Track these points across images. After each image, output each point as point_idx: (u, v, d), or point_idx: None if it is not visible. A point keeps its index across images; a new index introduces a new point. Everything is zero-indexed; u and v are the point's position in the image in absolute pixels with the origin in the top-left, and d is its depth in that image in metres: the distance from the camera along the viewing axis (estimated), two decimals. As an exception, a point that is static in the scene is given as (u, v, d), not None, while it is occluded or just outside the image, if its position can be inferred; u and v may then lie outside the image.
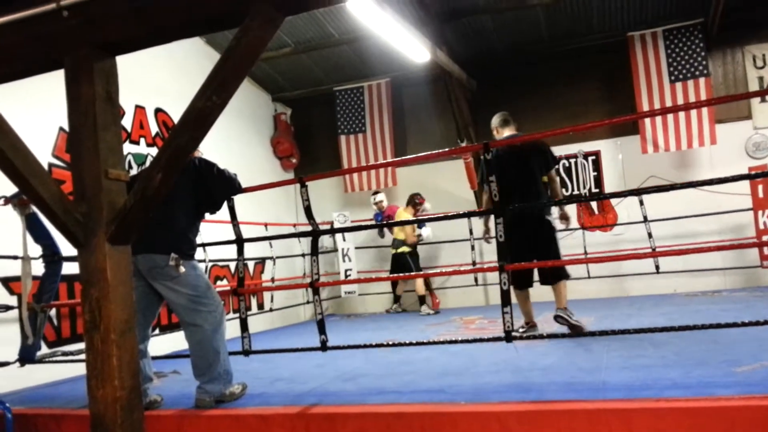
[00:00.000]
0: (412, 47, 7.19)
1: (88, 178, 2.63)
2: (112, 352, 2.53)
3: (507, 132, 5.59)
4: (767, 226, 7.52)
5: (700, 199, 7.94)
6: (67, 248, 4.00)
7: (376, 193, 9.18)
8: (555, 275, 5.26)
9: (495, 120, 5.72)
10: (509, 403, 3.19)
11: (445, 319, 7.50)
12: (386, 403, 3.48)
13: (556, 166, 5.37)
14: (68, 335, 5.87)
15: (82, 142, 2.65)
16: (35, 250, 4.74)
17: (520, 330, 5.41)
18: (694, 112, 8.16)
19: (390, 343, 4.39)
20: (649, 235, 7.51)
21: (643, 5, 8.28)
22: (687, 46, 8.27)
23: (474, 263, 8.57)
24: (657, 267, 7.39)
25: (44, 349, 5.39)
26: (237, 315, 4.54)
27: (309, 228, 4.33)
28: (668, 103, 8.27)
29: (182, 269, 3.76)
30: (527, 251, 5.00)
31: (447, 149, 6.52)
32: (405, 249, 8.64)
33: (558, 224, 5.53)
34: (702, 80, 8.19)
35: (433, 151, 4.64)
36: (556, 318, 5.13)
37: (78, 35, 2.67)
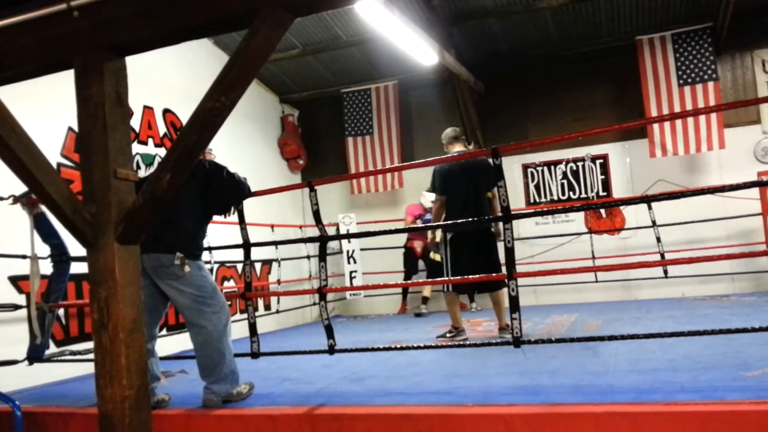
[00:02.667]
0: (419, 49, 7.19)
1: (97, 177, 2.64)
2: (120, 352, 2.54)
3: (457, 148, 5.87)
4: (776, 230, 7.48)
5: (709, 204, 7.92)
6: (75, 248, 4.02)
7: None
8: (496, 284, 5.58)
9: (446, 135, 5.99)
10: (517, 406, 3.18)
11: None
12: (393, 404, 3.48)
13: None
14: (76, 334, 5.89)
15: (92, 142, 2.66)
16: (43, 249, 4.76)
17: (448, 335, 5.72)
18: (702, 117, 8.13)
19: (397, 346, 4.39)
20: (658, 240, 7.48)
21: (652, 9, 8.26)
22: (696, 50, 8.24)
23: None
24: (665, 272, 7.36)
25: (52, 348, 5.41)
26: (245, 317, 4.54)
27: (316, 229, 4.34)
28: (677, 107, 8.24)
29: (187, 269, 3.77)
30: (474, 262, 5.45)
31: (455, 153, 6.50)
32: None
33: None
34: (711, 84, 8.16)
35: (441, 156, 4.65)
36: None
37: (88, 36, 2.69)
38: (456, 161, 5.56)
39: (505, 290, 5.46)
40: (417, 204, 8.78)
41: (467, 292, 5.93)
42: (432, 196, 6.21)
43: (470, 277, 5.04)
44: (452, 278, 5.55)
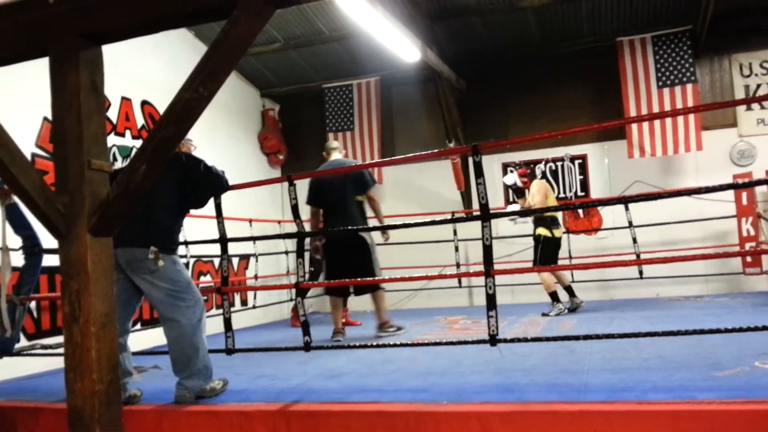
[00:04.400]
0: (402, 46, 7.18)
1: (71, 168, 2.58)
2: (91, 345, 2.49)
3: (334, 156, 6.35)
4: (750, 233, 7.59)
5: (685, 205, 8.00)
6: (48, 240, 3.95)
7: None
8: (371, 286, 5.96)
9: (327, 145, 6.53)
10: (492, 404, 3.19)
11: (429, 318, 7.50)
12: (369, 401, 3.47)
13: (374, 186, 6.00)
14: (48, 327, 5.80)
15: (66, 132, 2.60)
16: (15, 241, 4.68)
17: (331, 338, 6.01)
18: (680, 118, 8.23)
19: (373, 343, 4.37)
20: (634, 241, 7.55)
21: (632, 11, 8.33)
22: (675, 52, 8.32)
23: (458, 265, 8.58)
24: (641, 272, 7.44)
25: (23, 342, 5.33)
26: (220, 312, 4.50)
27: (294, 225, 4.31)
28: (655, 109, 8.32)
29: (161, 263, 3.72)
30: (345, 265, 5.86)
31: (435, 150, 6.52)
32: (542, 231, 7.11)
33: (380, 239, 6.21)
34: (689, 86, 8.25)
35: (422, 152, 4.64)
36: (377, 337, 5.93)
37: (64, 23, 2.63)
38: (325, 173, 5.92)
39: (381, 292, 6.02)
40: None
41: (340, 295, 6.22)
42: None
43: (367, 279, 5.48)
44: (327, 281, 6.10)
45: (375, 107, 9.58)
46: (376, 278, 5.87)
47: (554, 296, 6.99)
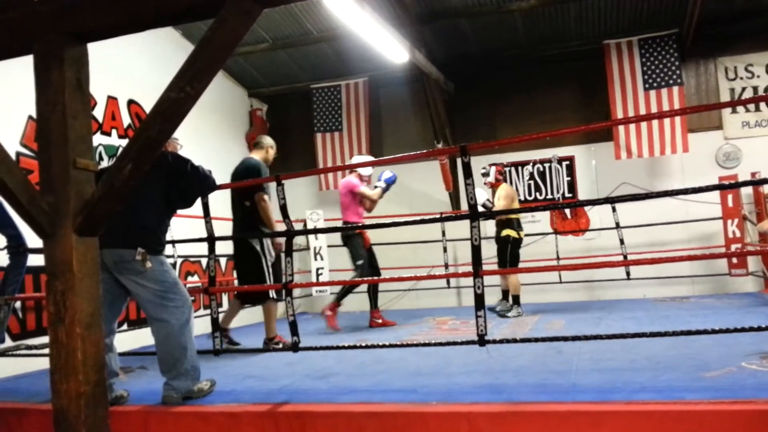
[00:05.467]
0: (390, 47, 7.18)
1: (56, 167, 2.56)
2: (76, 346, 2.47)
3: (254, 154, 6.03)
4: (735, 235, 7.65)
5: (672, 207, 8.07)
6: (33, 239, 3.91)
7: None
8: (258, 296, 5.65)
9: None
10: (480, 404, 3.18)
11: (418, 319, 7.50)
12: (357, 402, 3.46)
13: (261, 193, 5.55)
14: (33, 328, 5.74)
15: (51, 130, 2.58)
16: (0, 240, 4.63)
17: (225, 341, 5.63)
18: (667, 120, 8.29)
19: (362, 344, 4.36)
20: (621, 242, 7.60)
21: (619, 14, 8.38)
22: (662, 55, 8.39)
23: (446, 265, 8.58)
24: (628, 274, 7.48)
25: (8, 342, 5.27)
26: (208, 313, 4.48)
27: (283, 225, 4.29)
28: (642, 111, 8.38)
29: (149, 264, 3.69)
30: (238, 274, 5.75)
31: (423, 151, 6.52)
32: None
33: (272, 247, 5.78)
34: (675, 89, 8.32)
35: (410, 153, 4.63)
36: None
37: (48, 21, 2.60)
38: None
39: (270, 304, 5.64)
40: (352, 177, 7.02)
41: (244, 302, 5.92)
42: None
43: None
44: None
45: (363, 108, 9.58)
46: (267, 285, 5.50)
47: (517, 299, 7.11)
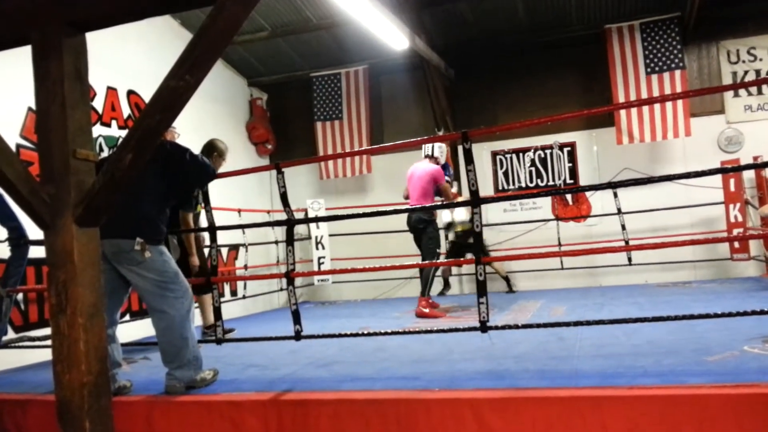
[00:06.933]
0: (390, 34, 7.13)
1: (56, 157, 2.55)
2: (79, 337, 2.47)
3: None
4: (737, 219, 7.63)
5: (673, 192, 8.06)
6: (34, 231, 3.91)
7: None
8: (197, 288, 5.32)
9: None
10: (483, 390, 3.19)
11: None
12: (360, 389, 3.47)
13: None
14: (36, 320, 5.75)
15: (50, 121, 2.57)
16: (1, 232, 4.63)
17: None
18: (669, 104, 8.25)
19: (364, 332, 4.37)
20: (623, 227, 7.59)
21: (620, -2, 8.34)
22: (663, 39, 8.33)
23: (448, 253, 8.57)
24: (629, 259, 7.48)
25: (11, 334, 5.28)
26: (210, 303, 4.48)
27: (284, 214, 4.28)
28: (644, 95, 8.34)
29: (148, 254, 3.69)
30: None
31: (424, 138, 6.50)
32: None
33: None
34: (678, 73, 8.27)
35: (410, 140, 4.62)
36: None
37: (46, 10, 2.58)
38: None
39: (204, 296, 5.57)
40: (435, 165, 6.80)
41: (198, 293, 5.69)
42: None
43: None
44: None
45: (363, 96, 9.54)
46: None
47: (508, 279, 7.68)
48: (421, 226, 6.52)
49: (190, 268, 5.41)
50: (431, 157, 6.79)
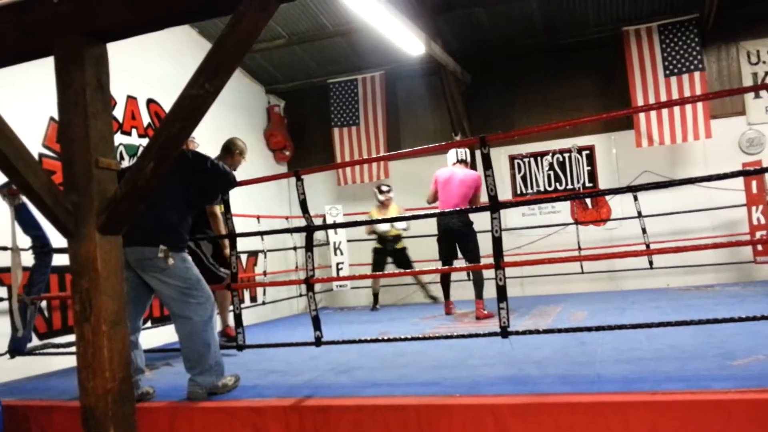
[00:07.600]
0: (406, 40, 7.15)
1: (78, 166, 2.58)
2: (102, 344, 2.49)
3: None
4: (760, 222, 7.53)
5: (694, 195, 7.97)
6: (57, 239, 3.95)
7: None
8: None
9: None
10: (504, 396, 3.17)
11: (439, 312, 7.49)
12: (381, 395, 3.46)
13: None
14: (59, 327, 5.82)
15: (72, 130, 2.60)
16: (25, 241, 4.69)
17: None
18: (689, 106, 8.17)
19: (384, 337, 4.37)
20: (643, 231, 7.52)
21: (637, 0, 8.26)
22: (682, 41, 8.26)
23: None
24: (651, 263, 7.40)
25: (35, 341, 5.34)
26: (231, 309, 4.50)
27: (302, 220, 4.30)
28: (663, 98, 8.27)
29: (171, 261, 3.72)
30: None
31: (441, 143, 6.47)
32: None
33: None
34: (697, 74, 8.19)
35: (427, 146, 4.62)
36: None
37: (68, 22, 2.61)
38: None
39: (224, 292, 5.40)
40: (474, 171, 6.99)
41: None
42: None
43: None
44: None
45: (380, 101, 9.56)
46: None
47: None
48: (466, 230, 6.54)
49: (224, 258, 5.37)
50: (464, 162, 6.81)
